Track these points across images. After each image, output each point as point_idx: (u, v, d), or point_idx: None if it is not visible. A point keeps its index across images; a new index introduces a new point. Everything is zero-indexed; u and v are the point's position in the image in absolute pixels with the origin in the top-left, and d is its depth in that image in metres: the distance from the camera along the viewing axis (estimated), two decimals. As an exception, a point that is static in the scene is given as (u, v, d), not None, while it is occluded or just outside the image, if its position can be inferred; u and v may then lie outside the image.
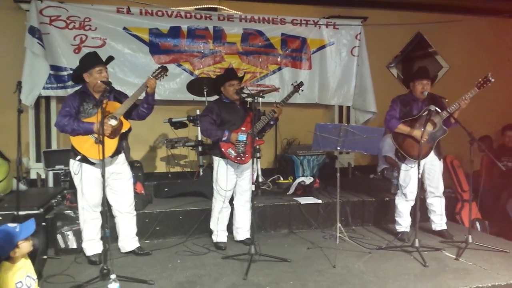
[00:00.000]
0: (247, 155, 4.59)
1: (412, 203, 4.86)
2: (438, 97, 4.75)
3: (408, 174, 4.87)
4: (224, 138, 4.53)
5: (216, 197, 4.74)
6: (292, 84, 5.04)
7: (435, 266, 4.19)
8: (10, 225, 3.17)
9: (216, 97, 4.97)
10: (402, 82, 5.15)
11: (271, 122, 4.75)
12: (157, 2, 6.48)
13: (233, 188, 4.73)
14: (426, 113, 4.53)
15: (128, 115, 4.25)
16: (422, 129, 4.49)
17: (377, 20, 7.24)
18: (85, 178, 4.09)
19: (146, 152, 6.98)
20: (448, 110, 4.62)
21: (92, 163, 4.08)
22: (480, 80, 4.63)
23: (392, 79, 7.81)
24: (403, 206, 4.98)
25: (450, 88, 7.41)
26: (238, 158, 4.57)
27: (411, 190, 4.83)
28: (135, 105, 4.26)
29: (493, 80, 4.56)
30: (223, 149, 4.56)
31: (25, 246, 3.15)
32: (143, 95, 4.29)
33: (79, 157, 4.06)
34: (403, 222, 5.01)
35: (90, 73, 4.11)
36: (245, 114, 4.71)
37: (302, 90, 5.06)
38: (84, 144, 4.02)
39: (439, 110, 4.60)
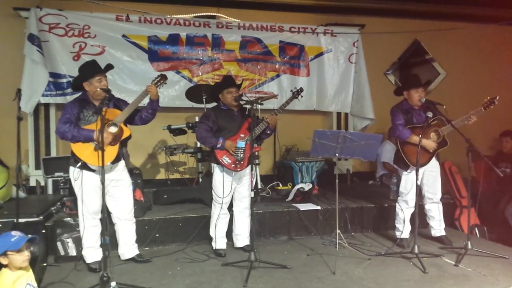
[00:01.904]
0: (242, 163, 4.59)
1: (413, 209, 4.87)
2: (436, 104, 4.78)
3: (409, 181, 4.87)
4: (218, 146, 4.54)
5: (214, 204, 4.76)
6: (291, 90, 5.06)
7: (434, 272, 4.19)
8: (14, 233, 3.16)
9: (215, 104, 4.99)
10: (394, 91, 5.14)
11: (268, 131, 4.76)
12: (156, 10, 6.54)
13: (231, 194, 4.73)
14: (434, 122, 4.72)
15: (130, 120, 4.29)
16: (419, 136, 4.53)
17: (375, 28, 7.29)
18: (85, 185, 4.08)
19: (145, 159, 6.99)
20: (454, 123, 4.65)
21: (92, 170, 4.08)
22: (486, 100, 4.70)
23: (390, 86, 7.83)
24: (404, 213, 4.99)
25: (447, 94, 7.47)
26: (233, 166, 4.57)
27: (412, 197, 4.84)
28: (136, 111, 4.28)
29: (496, 103, 4.66)
30: (217, 157, 4.58)
31: (15, 259, 3.11)
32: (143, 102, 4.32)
33: (79, 164, 4.06)
34: (403, 229, 5.01)
35: (90, 82, 4.13)
36: (243, 121, 4.72)
37: (301, 97, 5.07)
38: (85, 151, 4.03)
39: (443, 118, 4.66)
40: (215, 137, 4.57)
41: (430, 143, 4.79)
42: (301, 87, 5.08)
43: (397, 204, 5.10)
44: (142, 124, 4.43)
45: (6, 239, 3.11)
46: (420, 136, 4.52)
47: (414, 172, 4.66)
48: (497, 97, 4.67)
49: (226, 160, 4.56)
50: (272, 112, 4.70)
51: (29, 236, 3.21)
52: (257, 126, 4.63)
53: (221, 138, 4.55)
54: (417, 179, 4.54)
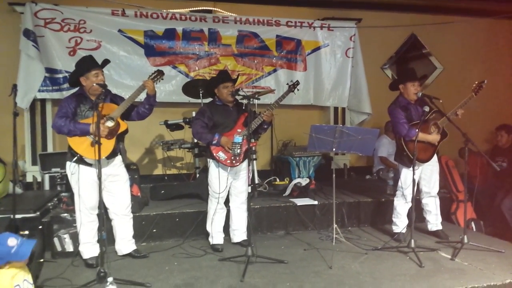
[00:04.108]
0: (238, 158, 4.58)
1: (410, 204, 4.87)
2: (432, 98, 4.78)
3: (410, 176, 4.80)
4: (214, 142, 4.53)
5: (211, 199, 4.76)
6: (287, 84, 5.05)
7: (431, 267, 4.20)
8: (11, 241, 3.10)
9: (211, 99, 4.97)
10: (389, 85, 5.12)
11: (265, 126, 4.74)
12: (152, 5, 6.52)
13: (227, 189, 4.72)
14: (432, 116, 4.72)
15: (127, 115, 4.27)
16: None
17: (371, 22, 7.28)
18: (82, 180, 4.07)
19: (142, 154, 6.99)
20: (449, 115, 4.67)
21: (89, 164, 4.07)
22: (474, 86, 4.81)
23: (387, 80, 7.82)
24: (402, 208, 5.00)
25: (444, 88, 7.48)
26: (229, 161, 4.56)
27: (410, 192, 4.83)
28: (132, 106, 4.27)
29: (484, 86, 4.78)
30: (213, 153, 4.57)
31: (17, 264, 3.11)
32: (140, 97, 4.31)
33: (75, 158, 4.05)
34: (400, 223, 5.03)
35: (87, 77, 4.11)
36: (239, 116, 4.70)
37: (298, 90, 5.06)
38: (81, 144, 4.02)
39: (443, 112, 4.67)
40: (211, 133, 4.56)
41: (434, 136, 4.79)
42: (297, 80, 5.07)
43: (395, 199, 5.10)
44: (139, 119, 4.42)
45: (6, 248, 3.05)
46: (417, 130, 4.53)
47: (417, 167, 4.66)
48: (485, 81, 4.75)
49: (221, 156, 4.55)
50: (268, 107, 4.70)
51: (29, 243, 3.18)
52: (253, 120, 4.61)
53: (216, 135, 4.54)
54: (414, 174, 4.53)
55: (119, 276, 3.79)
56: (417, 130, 4.68)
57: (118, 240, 4.48)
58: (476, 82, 4.82)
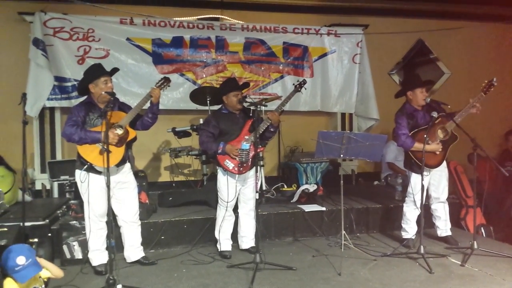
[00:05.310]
0: (245, 165, 4.57)
1: (419, 210, 4.83)
2: (441, 103, 4.76)
3: (419, 182, 4.74)
4: (219, 151, 4.54)
5: (219, 206, 4.77)
6: (293, 84, 5.04)
7: (440, 273, 4.18)
8: (20, 259, 3.12)
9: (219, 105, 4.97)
10: (396, 94, 5.06)
11: (271, 129, 4.72)
12: (160, 13, 6.57)
13: (236, 196, 4.73)
14: (438, 120, 4.64)
15: (132, 125, 4.28)
16: (425, 137, 4.51)
17: (378, 28, 7.29)
18: (91, 187, 4.10)
19: (150, 161, 7.02)
20: (456, 117, 4.62)
21: (99, 172, 4.09)
22: (484, 85, 4.66)
23: (394, 86, 7.82)
24: (412, 214, 4.97)
25: (451, 94, 7.44)
26: (236, 169, 4.56)
27: (420, 198, 4.80)
28: (138, 116, 4.30)
29: (496, 84, 4.59)
30: (220, 162, 4.58)
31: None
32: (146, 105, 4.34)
33: (85, 166, 4.07)
34: (410, 230, 5.00)
35: (96, 84, 4.15)
36: (245, 123, 4.70)
37: (305, 89, 5.03)
38: (91, 153, 4.04)
39: (448, 116, 4.64)
40: (216, 142, 4.57)
41: (434, 146, 4.74)
42: (303, 79, 5.07)
43: (405, 205, 5.07)
44: (143, 129, 4.42)
45: (13, 263, 3.10)
46: (425, 136, 4.50)
47: (425, 173, 4.63)
48: (495, 79, 4.60)
49: (228, 164, 4.55)
50: (275, 108, 4.70)
51: (34, 268, 3.20)
52: (260, 124, 4.60)
53: (221, 144, 4.54)
54: (422, 179, 4.51)
55: (128, 283, 3.81)
56: (413, 140, 4.66)
57: (126, 247, 4.50)
58: (486, 81, 4.65)
